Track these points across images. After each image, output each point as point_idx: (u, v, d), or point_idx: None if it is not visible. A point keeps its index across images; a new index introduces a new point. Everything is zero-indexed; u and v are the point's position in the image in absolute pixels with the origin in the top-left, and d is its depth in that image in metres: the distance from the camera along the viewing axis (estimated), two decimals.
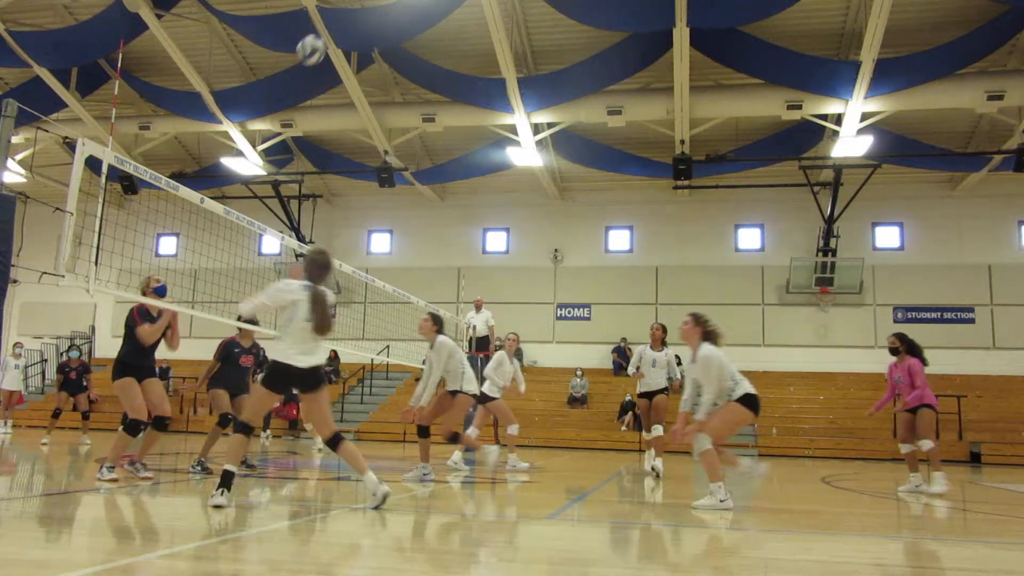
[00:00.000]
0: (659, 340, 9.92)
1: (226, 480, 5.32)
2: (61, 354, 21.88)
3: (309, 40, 7.74)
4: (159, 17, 16.87)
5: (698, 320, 6.59)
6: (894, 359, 8.83)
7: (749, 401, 6.35)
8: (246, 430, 5.54)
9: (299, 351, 5.46)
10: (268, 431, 17.34)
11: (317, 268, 5.69)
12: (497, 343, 14.60)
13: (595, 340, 21.81)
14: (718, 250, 22.02)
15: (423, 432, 8.30)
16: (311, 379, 5.56)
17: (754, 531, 5.51)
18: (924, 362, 8.67)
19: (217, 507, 5.22)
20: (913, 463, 8.63)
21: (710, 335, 6.53)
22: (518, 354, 21.85)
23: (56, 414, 14.02)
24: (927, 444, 8.44)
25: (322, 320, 5.49)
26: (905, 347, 8.71)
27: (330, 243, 23.23)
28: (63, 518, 5.16)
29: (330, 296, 5.72)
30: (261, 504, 6.19)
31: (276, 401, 6.40)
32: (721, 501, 6.20)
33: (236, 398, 8.57)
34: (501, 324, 16.16)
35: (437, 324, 8.33)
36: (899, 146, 18.50)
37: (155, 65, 19.28)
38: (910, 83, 16.14)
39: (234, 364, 8.71)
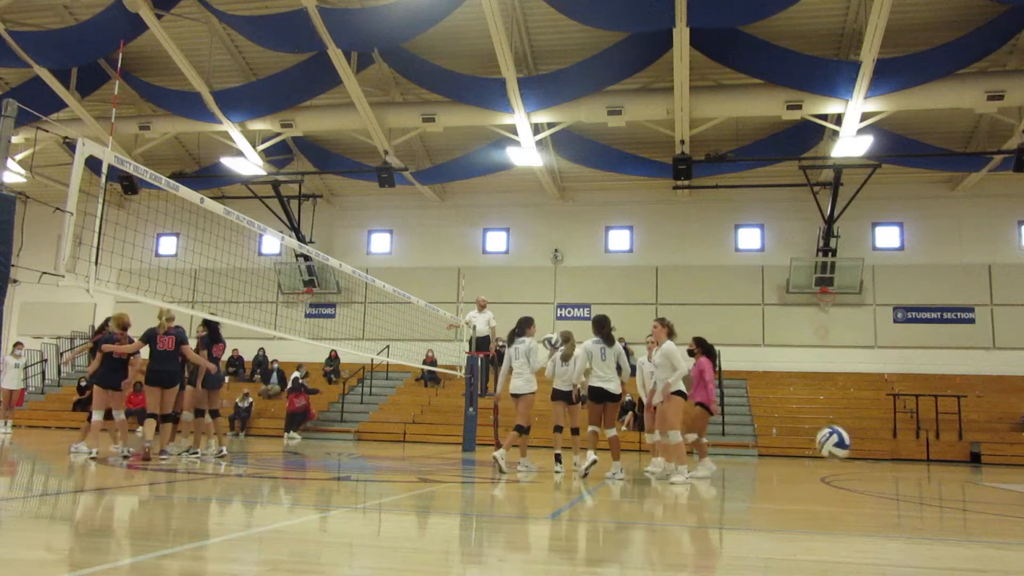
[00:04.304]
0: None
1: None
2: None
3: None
4: (159, 17, 16.88)
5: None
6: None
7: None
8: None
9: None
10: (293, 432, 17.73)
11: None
12: (499, 344, 14.60)
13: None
14: (718, 250, 22.02)
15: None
16: None
17: (754, 531, 5.52)
18: (713, 363, 9.84)
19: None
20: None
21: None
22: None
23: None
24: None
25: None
26: (701, 350, 9.79)
27: (330, 243, 23.25)
28: (63, 518, 5.16)
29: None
30: (260, 504, 6.19)
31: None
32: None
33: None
34: (501, 324, 16.14)
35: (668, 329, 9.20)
36: (899, 146, 18.49)
37: (155, 65, 19.28)
38: (910, 83, 16.14)
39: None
